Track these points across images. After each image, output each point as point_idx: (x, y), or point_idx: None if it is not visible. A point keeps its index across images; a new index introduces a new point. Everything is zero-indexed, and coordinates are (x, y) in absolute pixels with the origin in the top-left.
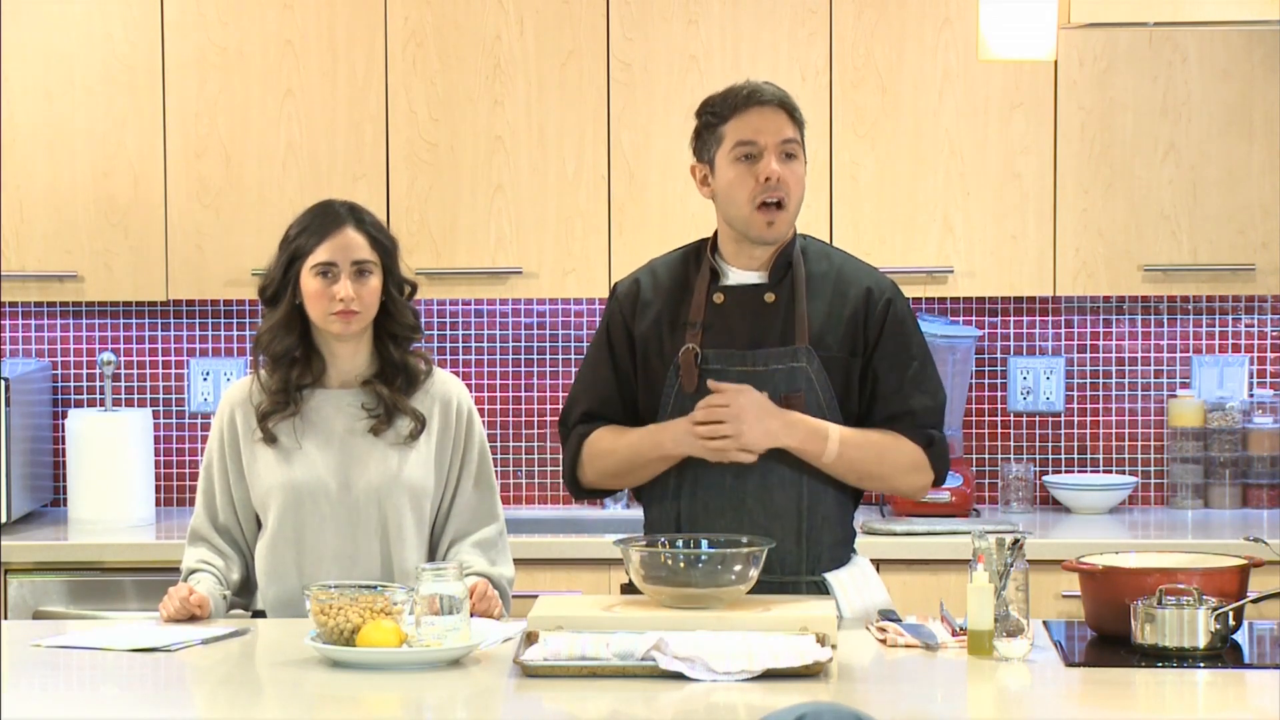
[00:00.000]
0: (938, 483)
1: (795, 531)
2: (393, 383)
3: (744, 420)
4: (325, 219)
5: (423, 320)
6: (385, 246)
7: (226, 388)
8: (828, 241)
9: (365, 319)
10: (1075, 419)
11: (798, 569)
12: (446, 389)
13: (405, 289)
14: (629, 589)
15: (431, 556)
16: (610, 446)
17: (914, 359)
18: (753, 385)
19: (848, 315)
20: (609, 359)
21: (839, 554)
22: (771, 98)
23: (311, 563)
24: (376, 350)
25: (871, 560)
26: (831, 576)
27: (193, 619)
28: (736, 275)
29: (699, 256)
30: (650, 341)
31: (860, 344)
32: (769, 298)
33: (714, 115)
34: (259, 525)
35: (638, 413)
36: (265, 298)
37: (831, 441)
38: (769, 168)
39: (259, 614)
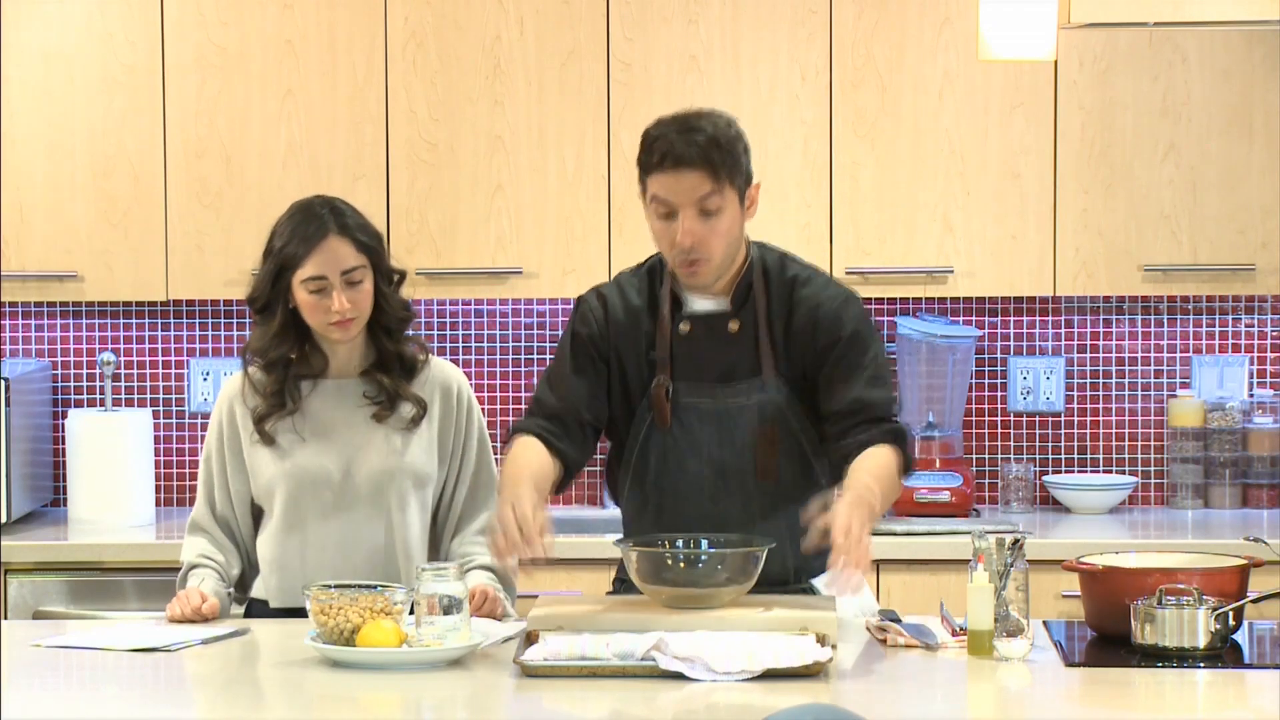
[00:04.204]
0: (907, 471)
1: (780, 551)
2: (391, 372)
3: (862, 537)
4: (308, 227)
5: (420, 316)
6: (370, 246)
7: (225, 380)
8: (790, 252)
9: (362, 322)
10: (1075, 419)
11: (785, 581)
12: (446, 376)
13: (394, 279)
14: (620, 589)
15: (435, 545)
16: (500, 481)
17: (867, 364)
18: (724, 419)
19: (803, 337)
20: (572, 362)
21: (826, 562)
22: (687, 160)
23: (315, 551)
24: (372, 342)
25: (872, 560)
26: (819, 582)
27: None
28: (698, 303)
29: (662, 275)
30: (626, 364)
31: (812, 362)
32: (733, 326)
33: (640, 163)
34: (256, 520)
35: (607, 418)
36: (256, 308)
37: (877, 497)
38: (682, 231)
39: (254, 602)
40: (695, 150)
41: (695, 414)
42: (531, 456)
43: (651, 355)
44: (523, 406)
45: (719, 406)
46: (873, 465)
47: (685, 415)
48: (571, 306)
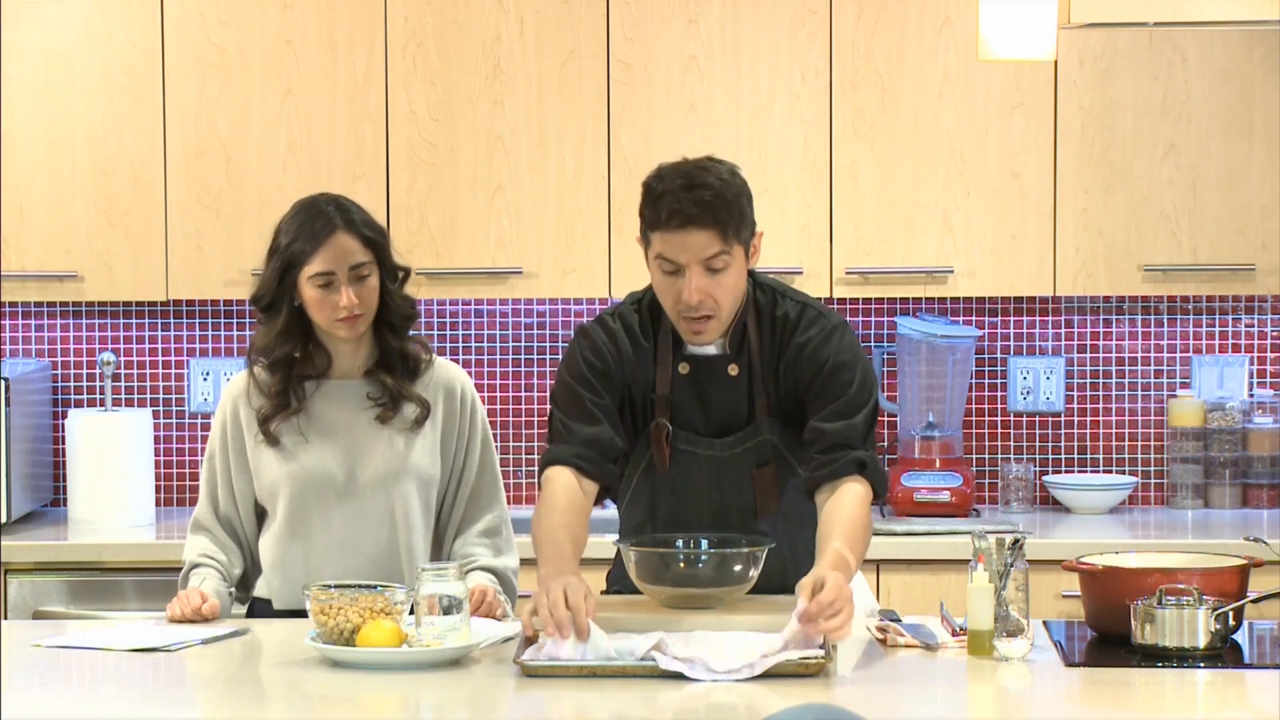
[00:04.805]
0: (880, 495)
1: (779, 570)
2: (394, 371)
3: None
4: (315, 223)
5: (420, 316)
6: (377, 242)
7: (229, 381)
8: (780, 278)
9: (369, 318)
10: (1075, 419)
11: (784, 591)
12: (450, 376)
13: (399, 275)
14: (613, 593)
15: (438, 545)
16: (537, 530)
17: (839, 395)
18: (721, 465)
19: (791, 377)
20: (592, 391)
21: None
22: (695, 220)
23: (319, 552)
24: (376, 341)
25: (871, 560)
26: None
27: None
28: (695, 346)
29: (656, 313)
30: (635, 397)
31: (801, 397)
32: (733, 370)
33: (643, 215)
34: (259, 519)
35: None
36: (261, 306)
37: (852, 558)
38: (689, 290)
39: (255, 601)
40: (702, 209)
41: (693, 460)
42: (567, 508)
43: (652, 394)
44: (523, 406)
45: (716, 455)
46: (843, 519)
47: (683, 459)
48: (571, 307)
